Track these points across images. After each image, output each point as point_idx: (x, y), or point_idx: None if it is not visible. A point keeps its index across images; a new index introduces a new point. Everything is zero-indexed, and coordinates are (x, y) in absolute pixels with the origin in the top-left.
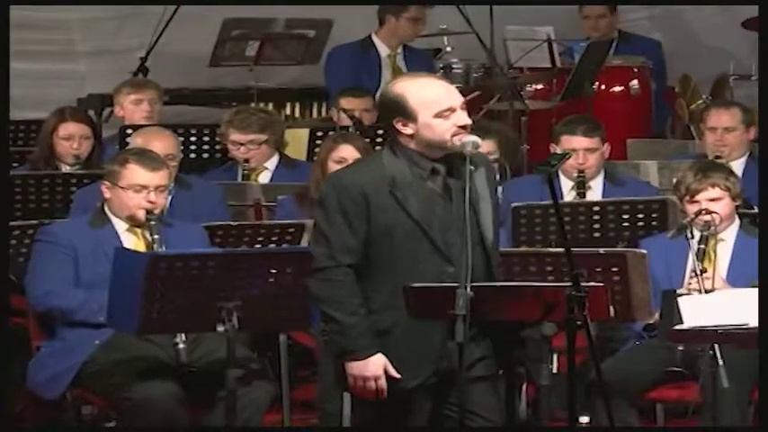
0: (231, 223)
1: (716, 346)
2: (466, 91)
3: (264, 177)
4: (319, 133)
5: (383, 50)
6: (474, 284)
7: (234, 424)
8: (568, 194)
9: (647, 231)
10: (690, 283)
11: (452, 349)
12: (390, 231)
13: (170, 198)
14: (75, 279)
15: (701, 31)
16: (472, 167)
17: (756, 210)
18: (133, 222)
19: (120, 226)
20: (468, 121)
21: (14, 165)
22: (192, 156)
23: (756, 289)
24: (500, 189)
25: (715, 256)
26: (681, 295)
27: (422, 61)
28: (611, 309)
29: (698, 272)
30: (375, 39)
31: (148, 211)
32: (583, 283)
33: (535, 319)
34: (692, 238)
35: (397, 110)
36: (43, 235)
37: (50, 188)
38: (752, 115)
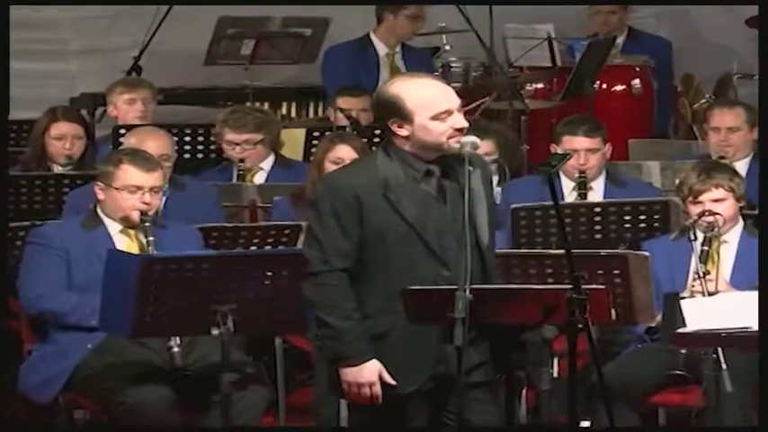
0: (226, 225)
1: (719, 349)
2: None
3: (260, 178)
4: (316, 133)
5: (381, 49)
6: (473, 287)
7: (229, 425)
8: (569, 195)
9: (650, 233)
10: (693, 286)
11: (450, 353)
12: (384, 234)
13: (164, 199)
14: (67, 282)
15: (704, 29)
16: (471, 168)
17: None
18: (127, 224)
19: (113, 228)
20: (465, 124)
21: None
22: (187, 156)
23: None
24: (498, 190)
25: (718, 258)
26: (683, 298)
27: (420, 60)
28: (613, 312)
29: (701, 274)
30: (373, 37)
31: (143, 213)
32: (584, 286)
33: (535, 322)
34: (695, 239)
35: (392, 111)
36: (35, 237)
37: (42, 189)
38: (756, 115)
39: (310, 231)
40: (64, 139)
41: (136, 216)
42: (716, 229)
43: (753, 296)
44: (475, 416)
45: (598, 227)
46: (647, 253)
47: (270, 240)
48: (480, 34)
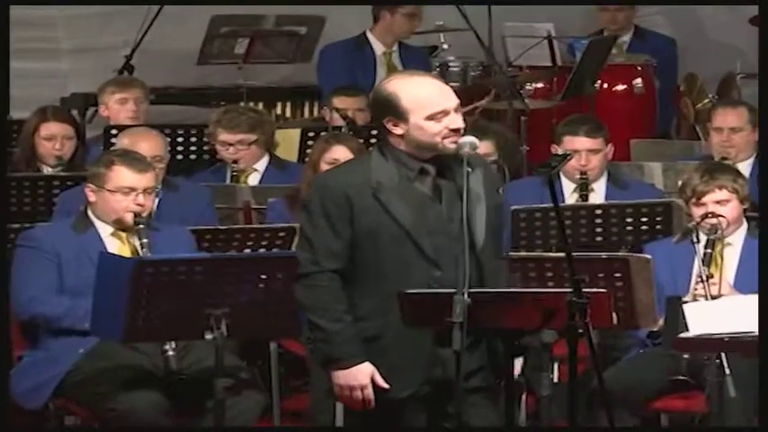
0: (219, 227)
1: (722, 354)
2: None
3: (254, 179)
4: (311, 134)
5: (378, 48)
6: (472, 291)
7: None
8: (570, 197)
9: (652, 235)
10: (696, 290)
11: (446, 357)
12: (375, 235)
13: (157, 201)
14: (58, 285)
15: (708, 27)
16: (469, 169)
17: None
18: (120, 226)
19: (104, 230)
20: (461, 125)
21: None
22: (180, 157)
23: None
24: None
25: (722, 261)
26: (686, 302)
27: (418, 59)
28: (614, 316)
29: (704, 277)
30: (369, 36)
31: (136, 215)
32: (584, 290)
33: (535, 326)
34: (698, 242)
35: (388, 109)
36: (25, 240)
37: (32, 191)
38: None
39: (302, 232)
40: (54, 140)
41: (129, 218)
42: (719, 232)
43: (757, 300)
44: (473, 420)
45: (599, 229)
46: (648, 256)
47: (264, 243)
48: (479, 33)
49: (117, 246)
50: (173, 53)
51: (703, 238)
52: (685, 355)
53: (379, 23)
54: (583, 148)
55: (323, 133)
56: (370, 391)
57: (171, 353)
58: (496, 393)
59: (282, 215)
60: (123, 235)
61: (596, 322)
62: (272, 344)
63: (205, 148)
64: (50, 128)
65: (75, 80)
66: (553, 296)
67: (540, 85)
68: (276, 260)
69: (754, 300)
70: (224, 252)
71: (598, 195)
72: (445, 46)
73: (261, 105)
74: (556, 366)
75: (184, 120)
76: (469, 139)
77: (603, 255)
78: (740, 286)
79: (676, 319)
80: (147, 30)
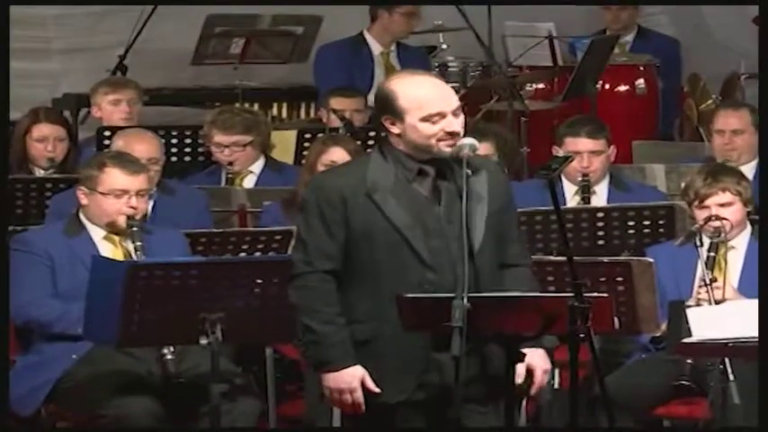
0: (214, 230)
1: (726, 359)
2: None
3: (249, 181)
4: (308, 135)
5: (376, 48)
6: (471, 295)
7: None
8: (571, 200)
9: (654, 239)
10: (699, 294)
11: (444, 363)
12: (370, 236)
13: (152, 204)
14: (52, 289)
15: (711, 27)
16: (469, 171)
17: None
18: (112, 229)
19: (97, 234)
20: (458, 129)
21: None
22: (174, 159)
23: None
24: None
25: (725, 264)
26: (689, 306)
27: (416, 59)
28: (616, 320)
29: (707, 281)
30: (367, 36)
31: (129, 217)
32: (586, 294)
33: (535, 331)
34: (702, 245)
35: (386, 107)
36: (17, 243)
37: (24, 193)
38: None
39: (297, 233)
40: (46, 142)
41: (122, 221)
42: (723, 235)
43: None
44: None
45: (601, 232)
46: (651, 259)
47: (260, 246)
48: (478, 32)
49: (110, 249)
50: (167, 53)
51: (707, 241)
52: (688, 361)
53: (376, 23)
54: (585, 150)
55: (320, 135)
56: (359, 395)
57: (169, 357)
58: (496, 401)
59: (278, 218)
60: (116, 238)
61: (598, 327)
62: (268, 349)
63: (200, 149)
64: (42, 129)
65: (67, 80)
66: (554, 301)
67: (540, 85)
68: (272, 264)
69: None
70: (219, 256)
71: (600, 198)
72: (444, 46)
73: (256, 106)
74: (557, 372)
75: (178, 121)
76: (469, 140)
77: (605, 258)
78: (744, 290)
79: (679, 323)
80: (141, 29)
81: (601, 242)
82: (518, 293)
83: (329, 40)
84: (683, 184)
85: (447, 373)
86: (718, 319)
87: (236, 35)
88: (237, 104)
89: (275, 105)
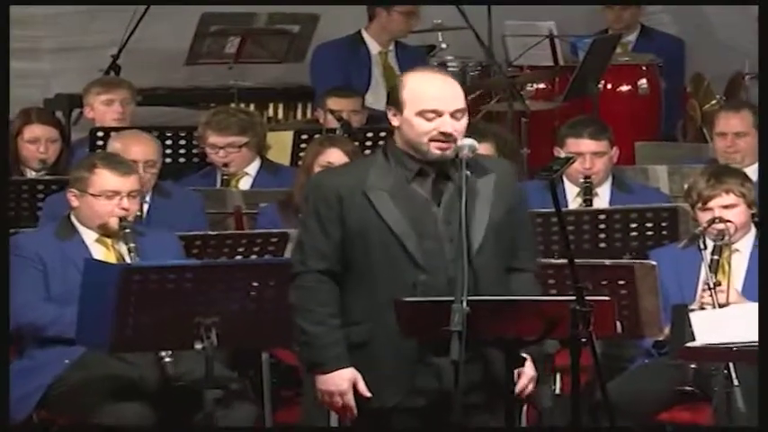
0: (210, 233)
1: (730, 364)
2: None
3: (245, 183)
4: (304, 136)
5: (373, 47)
6: (470, 299)
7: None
8: (573, 202)
9: (657, 241)
10: (702, 297)
11: (443, 368)
12: (365, 236)
13: (147, 207)
14: (45, 293)
15: (715, 26)
16: (468, 172)
17: None
18: (104, 232)
19: (89, 236)
20: (451, 130)
21: None
22: (168, 160)
23: None
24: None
25: (729, 267)
26: (693, 310)
27: (415, 59)
28: (618, 324)
29: (711, 285)
30: (365, 35)
31: (121, 219)
32: (588, 297)
33: (536, 336)
34: (705, 248)
35: (392, 97)
36: (9, 247)
37: (16, 195)
38: None
39: (297, 233)
40: (38, 143)
41: (114, 223)
42: (727, 237)
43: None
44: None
45: (603, 235)
46: (654, 262)
47: (256, 249)
48: (478, 32)
49: (102, 252)
50: (161, 52)
51: (710, 244)
52: (692, 366)
53: (374, 22)
54: (587, 151)
55: (316, 136)
56: (349, 398)
57: (167, 359)
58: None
59: (274, 220)
60: (108, 241)
61: (600, 331)
62: (264, 354)
63: (194, 151)
64: (34, 130)
65: (59, 81)
66: (555, 304)
67: (541, 85)
68: (268, 267)
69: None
70: (214, 259)
71: (602, 200)
72: (443, 45)
73: (252, 107)
74: (558, 377)
75: (173, 122)
76: (468, 141)
77: (607, 261)
78: (749, 294)
79: (683, 327)
80: (135, 28)
81: (603, 245)
82: (518, 297)
83: (326, 39)
84: (686, 186)
85: (446, 378)
86: (721, 323)
87: (231, 34)
88: (233, 105)
89: (271, 106)
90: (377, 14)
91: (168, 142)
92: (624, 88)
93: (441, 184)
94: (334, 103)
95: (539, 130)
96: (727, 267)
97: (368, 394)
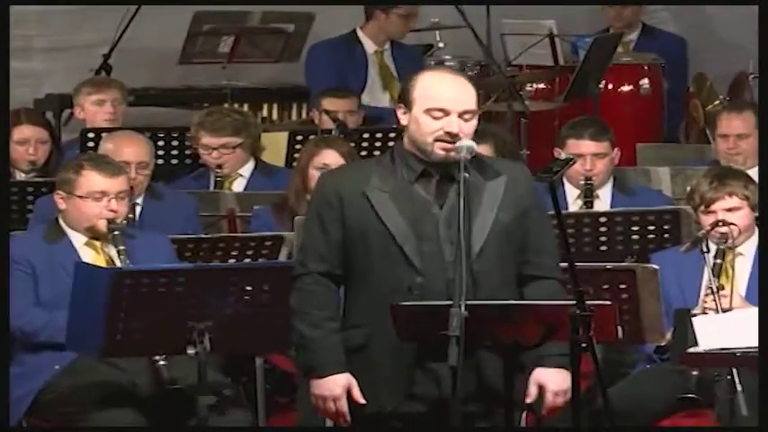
0: (203, 236)
1: (734, 370)
2: None
3: (239, 185)
4: (299, 137)
5: (369, 47)
6: (469, 303)
7: None
8: (573, 204)
9: (659, 245)
10: (705, 302)
11: (441, 374)
12: (365, 237)
13: (139, 209)
14: (35, 298)
15: (718, 25)
16: (467, 175)
17: None
18: (93, 234)
19: (78, 240)
20: (456, 130)
21: None
22: (160, 162)
23: None
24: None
25: (733, 271)
26: (695, 315)
27: (412, 58)
28: (620, 329)
29: (714, 289)
30: (360, 34)
31: (110, 221)
32: (588, 302)
33: (535, 341)
34: (708, 252)
35: (403, 95)
36: None
37: (4, 197)
38: None
39: (299, 236)
40: (27, 144)
41: (103, 225)
42: (730, 241)
43: None
44: None
45: (604, 238)
46: (656, 266)
47: (249, 252)
48: (476, 30)
49: (91, 256)
50: (153, 52)
51: (713, 247)
52: (694, 372)
53: (371, 22)
54: (587, 153)
55: (312, 137)
56: (343, 404)
57: (162, 363)
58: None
59: (268, 223)
60: (97, 244)
61: (601, 336)
62: (258, 359)
63: (187, 152)
64: (24, 131)
65: (49, 80)
66: (555, 309)
67: (541, 85)
68: (262, 271)
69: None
70: (207, 262)
71: (603, 202)
72: (441, 44)
73: (246, 107)
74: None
75: (165, 122)
76: (467, 143)
77: (608, 265)
78: (752, 298)
79: (685, 332)
80: (126, 27)
81: (603, 248)
82: (518, 302)
83: (321, 39)
84: (688, 188)
85: (444, 385)
86: (725, 328)
87: (224, 33)
88: (226, 105)
89: (265, 106)
90: (375, 16)
91: (161, 143)
92: (626, 88)
93: (445, 186)
94: (329, 103)
95: (538, 130)
96: (730, 271)
97: (362, 401)
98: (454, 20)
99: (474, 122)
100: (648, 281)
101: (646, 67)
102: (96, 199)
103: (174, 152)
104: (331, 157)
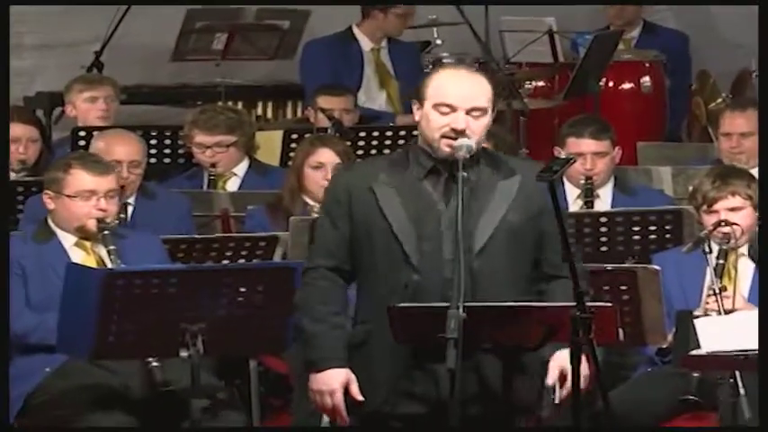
0: (196, 236)
1: (736, 373)
2: None
3: (233, 184)
4: (294, 135)
5: (365, 44)
6: (467, 304)
7: None
8: (574, 204)
9: (660, 245)
10: (707, 303)
11: (440, 375)
12: (369, 232)
13: (131, 209)
14: (26, 299)
15: (720, 22)
16: (465, 174)
17: None
18: (82, 234)
19: (67, 240)
20: (463, 127)
21: None
22: (153, 160)
23: None
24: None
25: (736, 272)
26: (697, 316)
27: (409, 56)
28: (621, 331)
29: (716, 290)
30: (356, 31)
31: (100, 221)
32: (589, 303)
33: (536, 343)
34: (710, 252)
35: (419, 91)
36: None
37: None
38: None
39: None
40: (17, 143)
41: (92, 225)
42: (732, 241)
43: None
44: None
45: (604, 238)
46: (657, 267)
47: (244, 253)
48: (475, 27)
49: (81, 256)
50: (145, 49)
51: (716, 247)
52: (696, 374)
53: (368, 20)
54: (588, 151)
55: (307, 135)
56: (339, 399)
57: (155, 364)
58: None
59: (263, 223)
60: (87, 244)
61: (601, 338)
62: (252, 361)
63: (180, 150)
64: (14, 130)
65: (40, 78)
66: (555, 310)
67: (540, 83)
68: (256, 272)
69: None
70: (200, 263)
71: (604, 202)
72: (439, 41)
73: (240, 105)
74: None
75: (158, 120)
76: (466, 141)
77: (609, 266)
78: (755, 300)
79: (687, 334)
80: (118, 24)
81: (604, 248)
82: (518, 303)
83: (317, 36)
84: (690, 188)
85: (443, 386)
86: (727, 329)
87: (218, 30)
88: (220, 103)
89: (260, 104)
90: (372, 15)
91: (153, 142)
92: (627, 86)
93: (453, 184)
94: (324, 101)
95: (538, 129)
96: (733, 272)
97: (360, 398)
98: (452, 17)
99: (485, 121)
100: (650, 282)
101: (647, 65)
102: (85, 198)
103: (167, 151)
104: (326, 156)
